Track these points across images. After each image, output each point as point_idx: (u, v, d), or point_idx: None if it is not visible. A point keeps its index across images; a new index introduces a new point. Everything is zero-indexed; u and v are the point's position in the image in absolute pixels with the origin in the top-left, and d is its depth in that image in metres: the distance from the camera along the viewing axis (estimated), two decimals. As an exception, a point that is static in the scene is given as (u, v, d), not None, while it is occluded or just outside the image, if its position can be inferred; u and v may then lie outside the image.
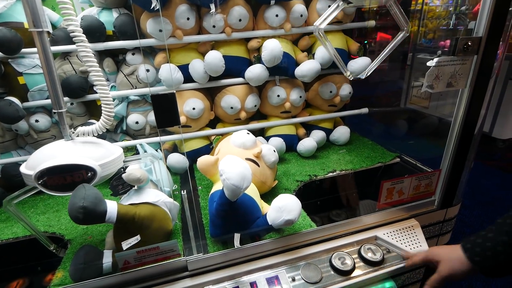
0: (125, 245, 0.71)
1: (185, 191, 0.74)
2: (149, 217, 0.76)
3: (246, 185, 0.74)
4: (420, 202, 1.04)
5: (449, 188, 1.05)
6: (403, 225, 1.00)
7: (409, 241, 0.94)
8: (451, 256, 0.71)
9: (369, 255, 0.88)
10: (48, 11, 1.18)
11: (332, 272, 0.83)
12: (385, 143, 1.53)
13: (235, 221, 0.82)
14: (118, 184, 0.80)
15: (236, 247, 0.80)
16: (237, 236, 0.81)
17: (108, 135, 1.33)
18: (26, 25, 1.08)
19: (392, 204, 0.99)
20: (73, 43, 1.13)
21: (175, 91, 0.66)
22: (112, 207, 0.70)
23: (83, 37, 0.73)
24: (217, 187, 0.89)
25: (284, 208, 0.80)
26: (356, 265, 0.85)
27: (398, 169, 1.38)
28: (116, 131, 1.32)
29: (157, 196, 0.81)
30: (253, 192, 0.91)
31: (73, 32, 0.72)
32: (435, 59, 0.90)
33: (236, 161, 0.74)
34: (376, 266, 0.87)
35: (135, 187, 0.84)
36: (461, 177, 1.05)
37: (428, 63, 0.91)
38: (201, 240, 0.87)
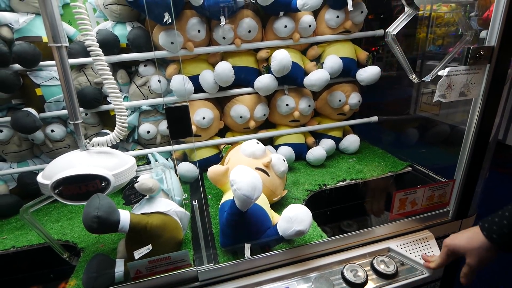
0: (137, 254, 0.72)
1: (196, 200, 0.74)
2: (160, 227, 0.77)
3: (257, 196, 0.74)
4: (434, 213, 1.02)
5: (464, 199, 1.03)
6: (417, 236, 0.98)
7: (423, 253, 0.92)
8: (474, 245, 0.71)
9: (382, 268, 0.86)
10: (65, 25, 1.23)
11: (344, 285, 0.82)
12: (396, 151, 1.51)
13: (245, 231, 0.82)
14: (130, 193, 0.82)
15: (246, 257, 0.80)
16: (247, 247, 0.81)
17: (120, 144, 1.35)
18: (44, 39, 1.13)
19: (405, 215, 0.97)
20: (88, 55, 1.19)
21: (188, 103, 0.67)
22: (125, 216, 0.71)
23: (99, 51, 0.76)
24: (227, 196, 0.90)
25: (295, 218, 0.80)
26: (369, 278, 0.84)
27: (409, 178, 1.36)
28: (128, 140, 1.34)
29: (169, 205, 0.82)
30: (263, 202, 0.91)
31: (90, 46, 0.74)
32: (447, 69, 0.90)
33: (247, 171, 0.75)
34: (389, 279, 0.85)
35: (147, 197, 0.85)
36: (476, 187, 1.03)
37: (440, 73, 0.91)
38: (211, 250, 0.87)
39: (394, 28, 0.94)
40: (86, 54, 1.17)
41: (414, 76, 1.09)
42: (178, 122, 0.58)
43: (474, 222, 1.11)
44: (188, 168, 1.28)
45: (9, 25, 1.08)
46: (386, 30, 0.94)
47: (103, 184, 0.73)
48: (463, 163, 0.99)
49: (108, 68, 0.77)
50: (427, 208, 1.00)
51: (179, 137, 0.51)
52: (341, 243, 0.91)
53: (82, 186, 0.72)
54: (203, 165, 1.35)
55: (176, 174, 1.21)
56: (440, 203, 1.02)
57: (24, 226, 1.07)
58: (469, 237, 0.73)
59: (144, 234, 0.74)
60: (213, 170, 0.91)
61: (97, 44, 0.75)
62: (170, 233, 0.79)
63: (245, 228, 0.81)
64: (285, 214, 0.82)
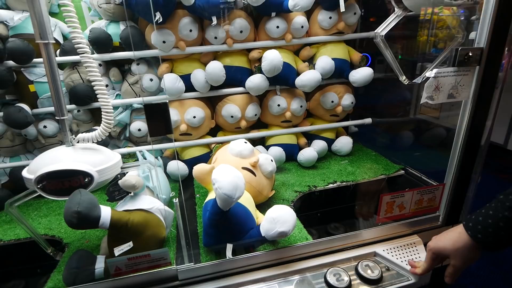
0: (117, 251, 0.72)
1: (177, 199, 0.74)
2: (142, 224, 0.77)
3: (238, 195, 0.74)
4: (423, 218, 1.00)
5: (455, 204, 1.01)
6: (405, 241, 0.96)
7: (410, 258, 0.90)
8: (458, 246, 0.70)
9: (367, 272, 0.85)
10: (60, 24, 1.24)
11: (326, 288, 0.81)
12: (390, 154, 1.49)
13: (228, 231, 0.81)
14: (114, 190, 0.82)
15: (227, 257, 0.80)
16: (229, 247, 0.81)
17: (112, 141, 1.36)
18: (38, 37, 1.14)
19: (393, 218, 0.96)
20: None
21: (167, 101, 0.68)
22: (106, 213, 0.71)
23: (87, 48, 0.76)
24: (211, 195, 0.90)
25: (278, 219, 0.80)
26: (352, 283, 0.82)
27: (402, 182, 1.34)
28: (119, 137, 1.35)
29: (152, 203, 0.82)
30: (247, 202, 0.90)
31: (78, 43, 0.75)
32: (434, 70, 0.89)
33: (228, 170, 0.75)
34: (373, 284, 0.83)
35: (132, 194, 0.85)
36: (468, 192, 1.01)
37: (427, 74, 0.90)
38: (193, 250, 0.87)
39: (383, 29, 0.94)
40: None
41: (404, 77, 1.08)
42: (157, 119, 0.58)
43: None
44: (177, 167, 1.28)
45: (5, 22, 1.10)
46: (375, 31, 0.94)
47: (86, 180, 0.74)
48: (453, 167, 0.98)
49: (96, 65, 0.78)
50: (416, 212, 0.99)
51: (157, 134, 0.52)
52: (326, 246, 0.90)
53: (65, 182, 0.73)
54: (194, 163, 1.32)
55: (166, 172, 1.22)
56: (429, 208, 1.01)
57: (13, 220, 1.08)
58: (452, 238, 0.72)
59: (125, 231, 0.74)
60: (198, 169, 0.91)
61: (85, 41, 0.76)
62: (152, 230, 0.79)
63: (227, 227, 0.80)
64: (268, 215, 0.81)
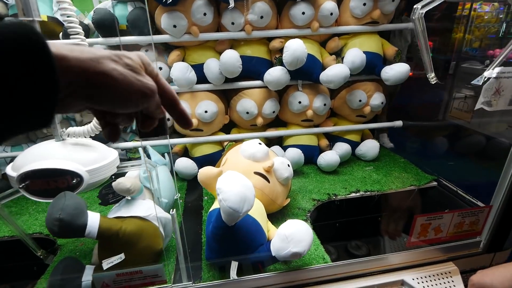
0: (106, 264, 0.63)
1: (174, 210, 0.64)
2: (136, 234, 0.67)
3: (246, 209, 0.62)
4: (461, 243, 0.86)
5: (501, 229, 0.86)
6: (438, 269, 0.82)
7: (444, 290, 0.77)
8: (508, 285, 0.60)
9: (392, 304, 0.73)
10: (67, 4, 1.15)
11: (345, 321, 0.69)
12: (421, 162, 1.33)
13: (233, 247, 0.71)
14: (108, 192, 0.73)
15: (231, 278, 0.69)
16: (234, 265, 0.70)
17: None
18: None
19: (427, 243, 0.82)
20: (87, 36, 1.11)
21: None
22: (93, 220, 0.62)
23: (80, 29, 0.66)
24: (217, 204, 0.79)
25: (292, 237, 0.68)
26: (376, 316, 0.70)
27: (434, 195, 1.19)
28: (125, 129, 1.27)
29: (149, 209, 0.72)
30: (258, 213, 0.79)
31: (70, 22, 0.65)
32: (496, 69, 0.72)
33: (236, 178, 0.63)
34: (400, 319, 0.71)
35: (129, 197, 0.76)
36: (518, 216, 0.86)
37: (486, 74, 0.74)
38: (195, 262, 0.77)
39: (424, 5, 0.77)
40: (85, 34, 1.10)
41: (432, 75, 0.92)
42: (148, 118, 0.47)
43: (508, 256, 0.94)
44: (186, 165, 1.19)
45: (5, 1, 1.02)
46: (414, 6, 0.78)
47: (74, 181, 0.65)
48: (504, 187, 0.82)
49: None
50: (454, 236, 0.84)
51: (149, 136, 0.41)
52: (346, 269, 0.77)
53: (51, 182, 0.64)
54: (204, 161, 1.25)
55: (173, 171, 1.13)
56: (470, 232, 0.86)
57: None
58: (503, 276, 0.61)
59: (116, 241, 0.65)
60: (204, 173, 0.80)
61: (77, 21, 0.66)
62: (147, 241, 0.69)
63: (232, 244, 0.70)
64: (281, 231, 0.70)
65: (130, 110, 0.30)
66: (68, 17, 0.65)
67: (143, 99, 0.30)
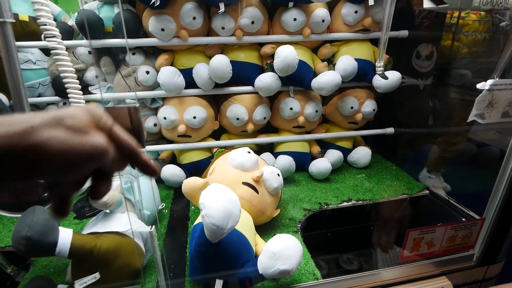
0: (79, 284, 0.59)
1: (153, 227, 0.60)
2: (112, 251, 0.63)
3: (231, 225, 0.59)
4: (454, 256, 0.84)
5: (494, 242, 0.84)
6: (432, 284, 0.80)
7: (438, 307, 0.75)
8: None
9: (384, 321, 0.70)
10: (50, 4, 1.10)
11: None
12: (412, 170, 1.31)
13: (217, 265, 0.67)
14: (84, 205, 0.68)
15: (215, 298, 0.65)
16: (218, 284, 0.66)
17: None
18: (21, 17, 1.01)
19: (420, 257, 0.80)
20: (71, 38, 1.06)
21: (138, 104, 0.52)
22: (65, 237, 0.57)
23: (56, 31, 0.62)
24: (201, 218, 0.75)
25: (280, 254, 0.65)
26: (367, 335, 0.67)
27: (426, 204, 1.17)
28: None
29: (128, 224, 0.68)
30: (245, 226, 0.75)
31: (44, 24, 0.61)
32: (489, 81, 0.71)
33: (220, 193, 0.60)
34: (393, 338, 0.68)
35: (107, 210, 0.71)
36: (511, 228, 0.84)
37: (479, 86, 0.72)
38: (178, 279, 0.73)
39: None
40: (68, 36, 1.05)
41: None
42: (124, 129, 0.43)
43: (501, 269, 0.92)
44: (173, 172, 1.14)
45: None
46: None
47: (46, 194, 0.60)
48: (497, 199, 0.81)
49: (66, 53, 0.63)
50: (447, 250, 0.82)
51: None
52: (337, 286, 0.74)
53: (20, 195, 0.59)
54: (192, 169, 1.21)
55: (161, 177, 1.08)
56: (463, 245, 0.84)
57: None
58: None
59: (90, 260, 0.60)
60: (188, 184, 0.76)
61: (54, 22, 0.61)
62: (125, 259, 0.65)
63: (216, 262, 0.66)
64: (268, 248, 0.66)
65: (77, 176, 0.28)
66: (44, 18, 0.61)
67: (90, 162, 0.27)
